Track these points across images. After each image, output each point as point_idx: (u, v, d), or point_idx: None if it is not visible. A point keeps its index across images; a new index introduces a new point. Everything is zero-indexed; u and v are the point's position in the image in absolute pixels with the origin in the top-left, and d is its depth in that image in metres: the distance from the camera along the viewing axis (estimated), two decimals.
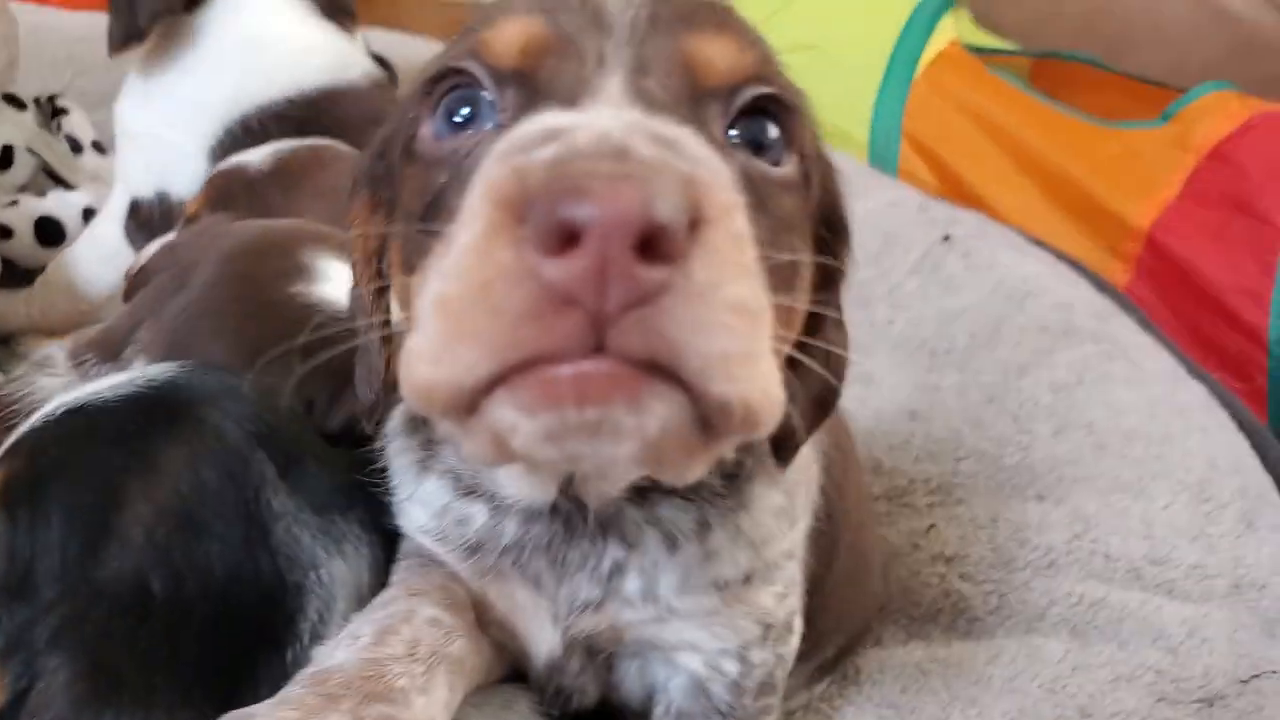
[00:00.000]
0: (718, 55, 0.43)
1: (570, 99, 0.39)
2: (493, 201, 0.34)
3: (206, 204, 1.09)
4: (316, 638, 0.63)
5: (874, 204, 1.66)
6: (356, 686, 0.54)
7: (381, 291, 0.57)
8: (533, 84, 0.42)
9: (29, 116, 1.40)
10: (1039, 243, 1.66)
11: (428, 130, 0.46)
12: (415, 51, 1.96)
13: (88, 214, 1.35)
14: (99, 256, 1.28)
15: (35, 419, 0.63)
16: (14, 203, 1.32)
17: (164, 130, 1.28)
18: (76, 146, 1.46)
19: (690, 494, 0.61)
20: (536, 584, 0.63)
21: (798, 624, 0.72)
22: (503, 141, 0.37)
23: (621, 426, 0.35)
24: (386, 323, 0.58)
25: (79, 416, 0.61)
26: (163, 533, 0.58)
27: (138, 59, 1.33)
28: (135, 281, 0.90)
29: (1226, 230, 1.74)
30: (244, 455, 0.63)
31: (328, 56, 1.32)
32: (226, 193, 1.08)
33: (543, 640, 0.66)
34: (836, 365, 0.57)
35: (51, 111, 1.47)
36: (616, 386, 0.34)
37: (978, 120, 2.05)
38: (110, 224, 1.28)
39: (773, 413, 0.38)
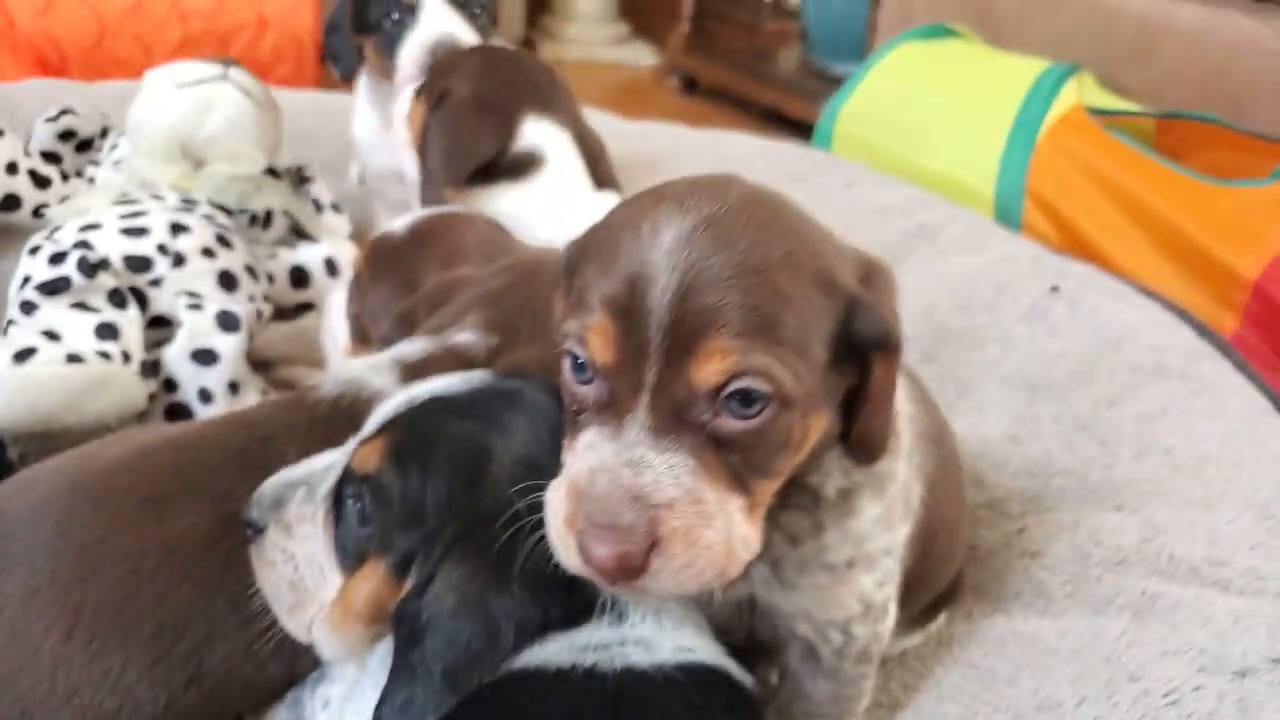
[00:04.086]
0: (706, 379, 0.67)
1: (622, 408, 0.70)
2: (567, 518, 0.70)
3: (365, 263, 1.38)
4: None
5: (990, 258, 1.85)
6: None
7: None
8: (609, 382, 0.71)
9: (284, 185, 1.73)
10: (1147, 292, 1.81)
11: (568, 368, 0.74)
12: None
13: (328, 262, 1.67)
14: (330, 344, 1.59)
15: (397, 404, 0.88)
16: (273, 255, 1.64)
17: None
18: (319, 207, 1.79)
19: (808, 505, 0.84)
20: None
21: (893, 608, 0.92)
22: (578, 467, 0.71)
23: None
24: None
25: (440, 402, 0.87)
26: (520, 472, 0.82)
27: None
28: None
29: None
30: (559, 419, 0.85)
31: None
32: (377, 254, 1.37)
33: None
34: (878, 430, 0.79)
35: (299, 179, 1.81)
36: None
37: (1097, 179, 2.20)
38: None
39: (724, 579, 0.72)
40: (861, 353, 0.74)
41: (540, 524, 0.77)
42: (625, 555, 0.66)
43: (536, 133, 1.66)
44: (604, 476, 0.68)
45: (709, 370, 0.67)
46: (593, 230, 0.77)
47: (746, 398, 0.68)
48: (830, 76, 3.96)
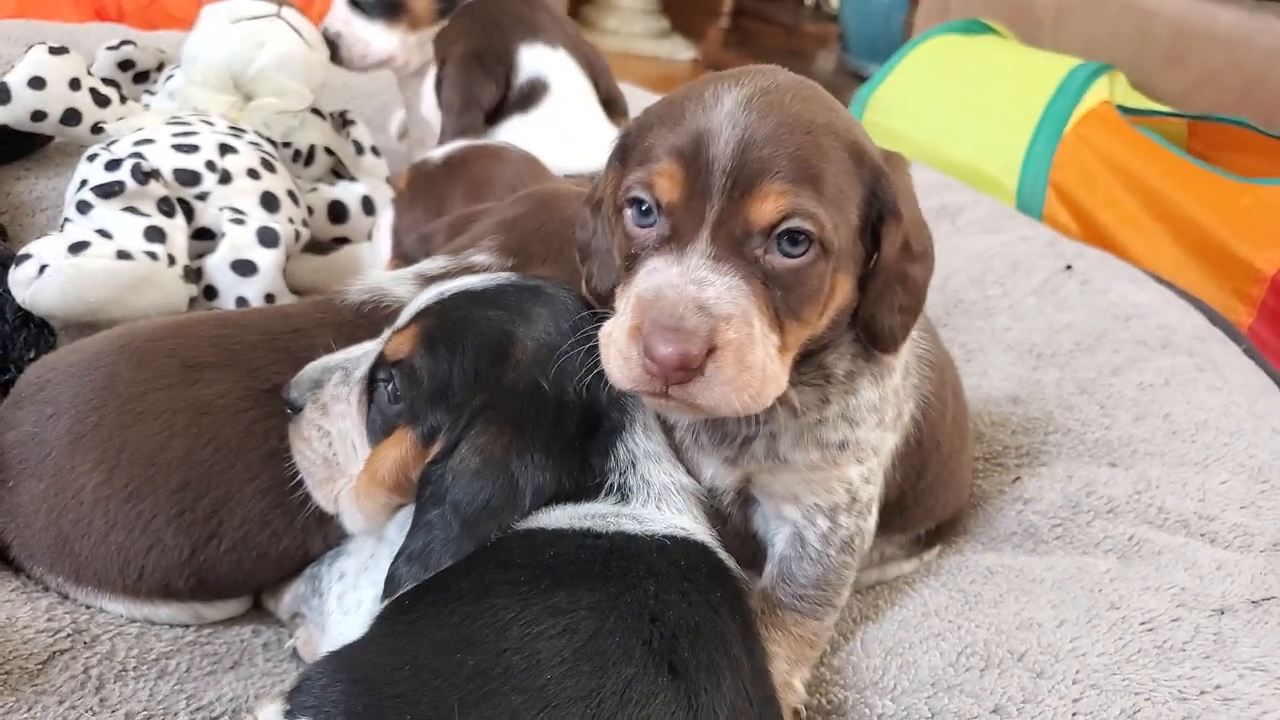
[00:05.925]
0: (763, 215, 0.77)
1: (684, 240, 0.78)
2: (632, 328, 0.77)
3: (406, 186, 1.48)
4: None
5: (1008, 237, 1.89)
6: None
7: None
8: (673, 219, 0.79)
9: (327, 125, 1.80)
10: (1162, 280, 1.84)
11: (631, 215, 0.83)
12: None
13: (365, 201, 1.73)
14: (376, 257, 1.66)
15: (428, 298, 0.94)
16: (314, 189, 1.71)
17: None
18: (359, 149, 1.85)
19: (818, 381, 0.92)
20: (698, 444, 0.95)
21: (875, 509, 0.99)
22: (643, 285, 0.79)
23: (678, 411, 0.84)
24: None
25: (468, 294, 0.93)
26: (543, 354, 0.88)
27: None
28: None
29: None
30: (577, 311, 0.93)
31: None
32: (416, 179, 1.47)
33: (705, 474, 0.96)
34: (884, 317, 0.88)
35: (342, 122, 1.88)
36: (675, 405, 0.79)
37: (1120, 172, 2.22)
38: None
39: (757, 405, 0.79)
40: (877, 230, 0.84)
41: (564, 392, 0.87)
42: (687, 354, 0.74)
43: (534, 60, 1.78)
44: (670, 290, 0.76)
45: (766, 208, 0.77)
46: (650, 111, 0.87)
47: (794, 238, 0.78)
48: (866, 78, 3.99)
